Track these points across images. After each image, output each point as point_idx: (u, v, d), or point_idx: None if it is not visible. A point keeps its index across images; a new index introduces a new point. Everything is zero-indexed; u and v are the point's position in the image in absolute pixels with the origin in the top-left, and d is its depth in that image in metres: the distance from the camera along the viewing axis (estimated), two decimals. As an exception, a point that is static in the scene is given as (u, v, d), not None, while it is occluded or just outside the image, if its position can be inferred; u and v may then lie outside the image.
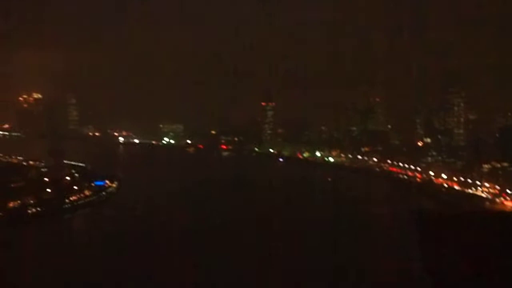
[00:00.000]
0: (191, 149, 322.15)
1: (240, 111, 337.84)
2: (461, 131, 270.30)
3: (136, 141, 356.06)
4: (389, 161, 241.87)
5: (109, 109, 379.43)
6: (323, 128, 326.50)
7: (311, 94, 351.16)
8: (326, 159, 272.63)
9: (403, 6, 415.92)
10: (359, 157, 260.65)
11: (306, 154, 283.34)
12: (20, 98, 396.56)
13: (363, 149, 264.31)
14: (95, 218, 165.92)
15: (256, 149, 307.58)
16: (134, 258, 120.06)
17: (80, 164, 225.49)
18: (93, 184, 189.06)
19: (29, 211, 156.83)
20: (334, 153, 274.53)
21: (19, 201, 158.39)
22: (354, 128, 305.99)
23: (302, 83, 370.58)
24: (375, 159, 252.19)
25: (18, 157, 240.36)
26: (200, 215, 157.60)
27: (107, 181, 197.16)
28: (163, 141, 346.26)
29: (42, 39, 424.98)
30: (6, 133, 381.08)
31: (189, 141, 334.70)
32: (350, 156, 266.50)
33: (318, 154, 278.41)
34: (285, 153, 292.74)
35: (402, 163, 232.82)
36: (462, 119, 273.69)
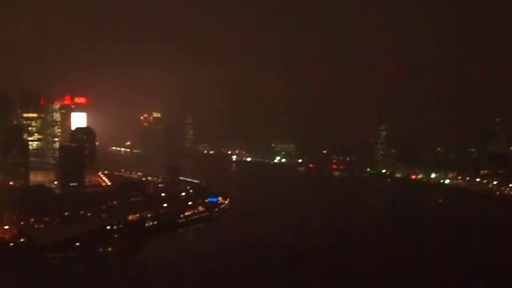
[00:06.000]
0: (302, 169, 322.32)
1: (352, 131, 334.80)
2: None
3: (249, 159, 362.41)
4: (511, 185, 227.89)
5: (223, 128, 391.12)
6: (439, 149, 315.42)
7: (426, 114, 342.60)
8: (441, 181, 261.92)
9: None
10: (478, 180, 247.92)
11: (420, 176, 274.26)
12: (141, 117, 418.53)
13: (482, 172, 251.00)
14: (207, 233, 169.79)
15: (368, 169, 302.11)
16: (244, 273, 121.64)
17: (195, 181, 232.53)
18: (206, 201, 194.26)
19: (147, 224, 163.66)
20: (450, 175, 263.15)
21: (137, 215, 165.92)
22: (473, 150, 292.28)
23: (416, 102, 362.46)
24: (495, 183, 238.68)
25: (138, 173, 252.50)
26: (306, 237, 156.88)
27: (220, 198, 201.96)
28: (275, 160, 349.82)
29: (163, 61, 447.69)
30: (128, 150, 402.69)
31: (300, 160, 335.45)
32: (467, 178, 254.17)
33: (433, 175, 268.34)
34: (398, 174, 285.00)
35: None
36: None
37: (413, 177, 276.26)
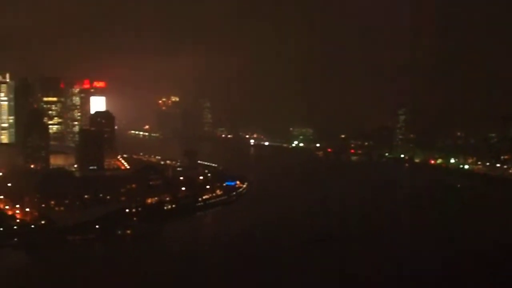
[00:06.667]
0: (320, 153, 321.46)
1: (371, 116, 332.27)
2: None
3: (266, 143, 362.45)
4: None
5: (241, 112, 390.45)
6: (458, 134, 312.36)
7: (446, 98, 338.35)
8: (460, 166, 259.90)
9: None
10: (498, 165, 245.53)
11: (439, 161, 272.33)
12: (160, 101, 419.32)
13: (502, 157, 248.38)
14: (225, 216, 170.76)
15: (387, 154, 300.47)
16: (261, 257, 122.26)
17: (213, 165, 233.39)
18: (224, 184, 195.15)
19: (165, 208, 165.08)
20: (469, 161, 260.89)
21: (156, 198, 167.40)
22: (493, 135, 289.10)
23: (436, 87, 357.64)
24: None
25: (157, 157, 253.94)
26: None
27: (237, 182, 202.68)
28: (293, 144, 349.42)
29: (181, 45, 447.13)
30: (146, 133, 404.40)
31: (318, 145, 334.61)
32: (487, 164, 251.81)
33: (452, 161, 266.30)
34: (417, 159, 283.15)
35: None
36: None
37: (432, 162, 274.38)
